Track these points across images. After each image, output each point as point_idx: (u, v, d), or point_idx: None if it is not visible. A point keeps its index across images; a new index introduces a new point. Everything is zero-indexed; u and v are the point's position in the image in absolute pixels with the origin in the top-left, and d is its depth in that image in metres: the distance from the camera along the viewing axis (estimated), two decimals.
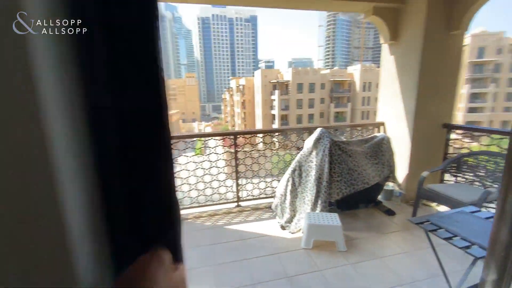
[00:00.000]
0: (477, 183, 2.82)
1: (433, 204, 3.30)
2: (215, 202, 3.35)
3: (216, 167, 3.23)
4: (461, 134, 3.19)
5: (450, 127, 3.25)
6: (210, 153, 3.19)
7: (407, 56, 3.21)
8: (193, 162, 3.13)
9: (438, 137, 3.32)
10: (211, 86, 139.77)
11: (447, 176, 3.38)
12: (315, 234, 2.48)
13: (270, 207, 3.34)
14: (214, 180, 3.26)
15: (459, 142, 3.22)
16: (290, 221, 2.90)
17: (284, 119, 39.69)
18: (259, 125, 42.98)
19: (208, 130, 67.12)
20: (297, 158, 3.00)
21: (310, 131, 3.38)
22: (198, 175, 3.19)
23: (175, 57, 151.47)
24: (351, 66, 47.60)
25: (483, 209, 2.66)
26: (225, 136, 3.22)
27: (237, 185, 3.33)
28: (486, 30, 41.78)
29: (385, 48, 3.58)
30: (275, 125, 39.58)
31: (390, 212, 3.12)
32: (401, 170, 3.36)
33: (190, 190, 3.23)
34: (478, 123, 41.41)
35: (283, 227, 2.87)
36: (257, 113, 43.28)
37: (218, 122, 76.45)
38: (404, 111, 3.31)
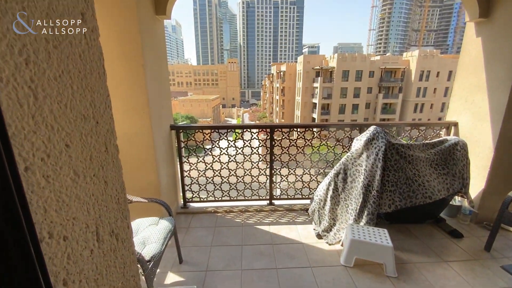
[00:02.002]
0: None
1: (510, 227, 2.61)
2: (247, 198, 3.17)
3: (250, 161, 3.01)
4: None
5: None
6: (245, 146, 2.97)
7: (501, 38, 2.46)
8: (226, 154, 2.96)
9: None
10: (252, 72, 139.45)
11: None
12: (358, 252, 2.12)
13: (306, 210, 3.04)
14: (247, 174, 3.06)
15: None
16: (328, 230, 2.56)
17: (325, 108, 37.73)
18: (298, 114, 41.73)
19: (246, 116, 67.91)
20: (343, 160, 2.60)
21: (361, 128, 2.91)
22: (231, 168, 3.02)
23: (219, 42, 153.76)
24: (407, 51, 42.19)
25: None
26: (260, 129, 2.95)
27: (271, 182, 3.08)
28: None
29: (470, 28, 2.81)
30: (315, 114, 37.91)
31: (455, 234, 2.55)
32: (475, 183, 2.71)
33: (222, 182, 3.09)
34: None
35: (319, 236, 2.55)
36: (298, 101, 41.90)
37: (256, 109, 76.63)
38: (490, 109, 2.59)
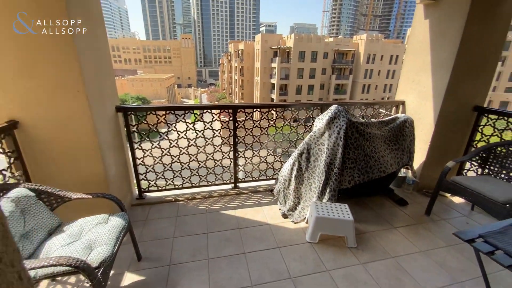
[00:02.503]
0: (502, 175, 2.50)
1: (447, 195, 3.03)
2: (210, 183, 3.01)
3: (212, 144, 2.82)
4: (494, 119, 2.78)
5: (482, 111, 2.84)
6: (206, 128, 2.75)
7: (447, 21, 2.64)
8: (185, 137, 2.70)
9: (465, 121, 2.93)
10: (208, 50, 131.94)
11: (467, 166, 3.07)
12: (322, 228, 2.19)
13: (271, 191, 3.04)
14: (210, 159, 2.88)
15: (488, 130, 2.83)
16: (293, 209, 2.60)
17: (283, 89, 38.36)
18: (257, 94, 41.70)
19: (204, 97, 65.26)
20: (306, 139, 2.60)
21: (323, 107, 2.93)
22: (191, 153, 2.79)
23: (170, 15, 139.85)
24: (356, 35, 44.77)
25: None
26: (222, 110, 2.75)
27: (235, 165, 2.96)
28: None
29: (419, 11, 2.97)
30: (274, 95, 38.35)
31: (402, 202, 2.84)
32: (417, 156, 3.02)
33: (182, 169, 2.85)
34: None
35: (285, 215, 2.58)
36: (256, 81, 41.62)
37: (214, 89, 74.00)
38: (432, 89, 2.84)
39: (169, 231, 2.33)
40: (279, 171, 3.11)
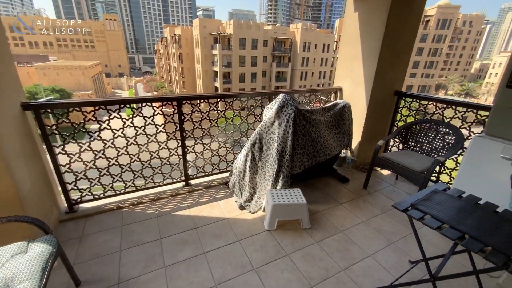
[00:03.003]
0: (416, 149, 3.02)
1: (378, 169, 3.51)
2: (158, 184, 2.75)
3: (156, 141, 2.55)
4: (409, 101, 3.29)
5: (401, 95, 3.32)
6: (147, 124, 2.45)
7: (373, 14, 2.93)
8: (122, 136, 2.36)
9: (389, 104, 3.38)
10: (140, 34, 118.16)
11: (391, 143, 3.59)
12: (279, 214, 2.26)
13: (226, 184, 2.96)
14: (155, 157, 2.61)
15: (405, 111, 3.35)
16: (250, 199, 2.60)
17: (226, 76, 37.78)
18: (199, 83, 39.98)
19: (140, 87, 59.15)
20: (257, 130, 2.59)
21: (270, 96, 2.95)
22: (132, 153, 2.47)
23: None
24: (292, 24, 46.85)
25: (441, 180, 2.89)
26: (165, 102, 2.48)
27: (185, 161, 2.77)
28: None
29: (349, 4, 3.21)
30: (217, 83, 37.45)
31: (344, 180, 3.16)
32: (354, 137, 3.38)
33: (123, 172, 2.51)
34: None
35: (242, 207, 2.57)
36: (198, 69, 39.72)
37: (151, 78, 67.64)
38: (364, 76, 3.17)
39: (114, 244, 2.05)
40: (232, 163, 3.06)
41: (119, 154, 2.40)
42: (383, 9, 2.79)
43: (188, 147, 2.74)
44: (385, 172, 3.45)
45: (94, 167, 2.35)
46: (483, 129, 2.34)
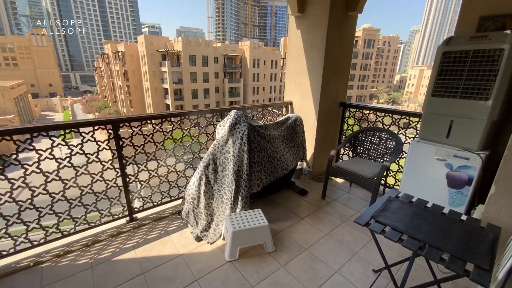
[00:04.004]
0: (364, 155, 3.21)
1: (334, 178, 3.62)
2: (92, 224, 2.28)
3: (88, 173, 2.13)
4: (353, 111, 3.53)
5: (346, 106, 3.54)
6: (73, 154, 2.03)
7: (314, 31, 3.10)
8: (37, 172, 1.90)
9: (336, 115, 3.57)
10: (75, 51, 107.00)
11: (341, 151, 3.77)
12: (241, 241, 2.06)
13: (179, 213, 2.64)
14: (87, 193, 2.17)
15: (351, 120, 3.58)
16: (207, 228, 2.35)
17: (177, 93, 36.61)
18: (149, 101, 37.76)
19: (78, 107, 53.01)
20: (210, 150, 2.39)
21: (222, 113, 2.81)
22: (53, 192, 1.99)
23: (9, 3, 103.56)
24: (240, 42, 48.77)
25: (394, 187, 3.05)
26: (97, 126, 2.11)
27: (127, 193, 2.38)
28: None
29: (292, 22, 3.35)
30: (168, 101, 35.93)
31: (303, 192, 3.14)
32: (308, 148, 3.44)
33: (41, 216, 2.00)
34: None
35: (199, 238, 2.29)
36: (146, 86, 37.60)
37: (92, 97, 61.21)
38: (311, 89, 3.29)
39: None
40: (185, 188, 2.77)
41: (34, 194, 1.91)
42: (322, 25, 2.97)
43: (130, 176, 2.37)
44: (340, 180, 3.58)
45: None
46: (417, 134, 2.59)
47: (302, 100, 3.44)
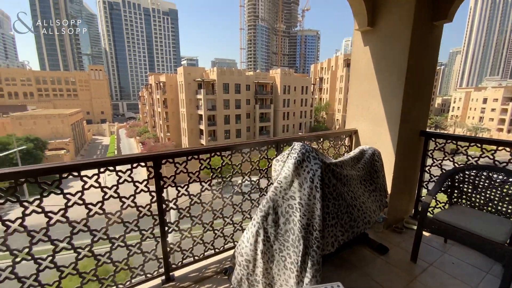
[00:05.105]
0: (471, 204, 2.38)
1: (414, 227, 2.78)
2: (121, 287, 1.80)
3: (121, 222, 1.70)
4: (441, 143, 2.76)
5: (429, 135, 2.80)
6: (107, 198, 1.63)
7: (389, 46, 2.55)
8: (63, 221, 1.51)
9: (416, 147, 2.83)
10: (125, 82, 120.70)
11: (423, 192, 2.94)
12: None
13: (224, 273, 2.06)
14: (118, 246, 1.72)
15: (438, 153, 2.80)
16: None
17: (211, 119, 38.09)
18: (184, 126, 39.77)
19: (123, 132, 57.96)
20: (270, 194, 1.84)
21: (278, 145, 2.29)
22: (79, 247, 1.58)
23: (75, 45, 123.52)
24: (271, 69, 50.33)
25: None
26: (136, 163, 1.71)
27: (165, 245, 1.89)
28: None
29: (357, 38, 2.85)
30: (202, 126, 37.38)
31: (382, 249, 2.37)
32: None
33: (64, 276, 1.57)
34: None
35: None
36: (182, 112, 39.94)
37: (135, 123, 66.95)
38: (386, 115, 2.65)
39: None
40: (231, 238, 2.21)
41: (57, 250, 1.50)
42: (402, 39, 2.41)
43: (169, 224, 1.90)
44: (426, 232, 2.72)
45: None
46: None
47: (372, 128, 2.80)
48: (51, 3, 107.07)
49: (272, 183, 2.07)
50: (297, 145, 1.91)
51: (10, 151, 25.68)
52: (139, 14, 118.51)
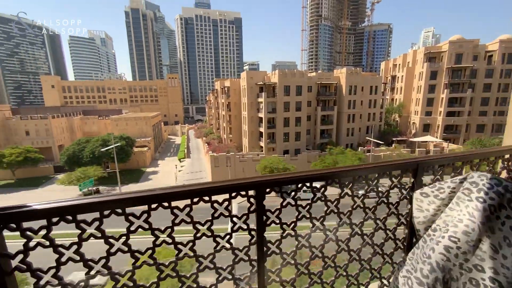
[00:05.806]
0: None
1: None
2: None
3: (212, 267, 1.29)
4: None
5: None
6: (200, 237, 1.24)
7: None
8: (149, 264, 1.16)
9: None
10: (194, 88, 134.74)
11: None
12: None
13: None
14: None
15: None
16: None
17: (270, 122, 38.17)
18: (245, 128, 41.13)
19: (192, 133, 64.20)
20: (436, 259, 1.13)
21: (415, 171, 1.54)
22: None
23: (157, 57, 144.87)
24: (335, 69, 47.22)
25: None
26: (235, 193, 1.27)
27: None
28: (462, 37, 43.26)
29: None
30: (261, 128, 37.80)
31: None
32: None
33: None
34: (456, 126, 43.18)
35: None
36: (244, 115, 41.43)
37: (202, 125, 73.44)
38: None
39: None
40: None
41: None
42: None
43: (270, 273, 1.40)
44: None
45: None
46: None
47: None
48: (141, 25, 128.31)
49: (418, 231, 1.36)
50: (479, 178, 1.15)
51: (109, 147, 31.41)
52: (208, 26, 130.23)
